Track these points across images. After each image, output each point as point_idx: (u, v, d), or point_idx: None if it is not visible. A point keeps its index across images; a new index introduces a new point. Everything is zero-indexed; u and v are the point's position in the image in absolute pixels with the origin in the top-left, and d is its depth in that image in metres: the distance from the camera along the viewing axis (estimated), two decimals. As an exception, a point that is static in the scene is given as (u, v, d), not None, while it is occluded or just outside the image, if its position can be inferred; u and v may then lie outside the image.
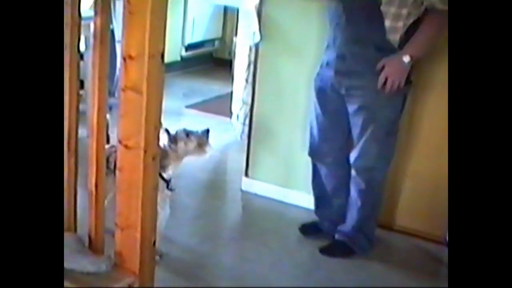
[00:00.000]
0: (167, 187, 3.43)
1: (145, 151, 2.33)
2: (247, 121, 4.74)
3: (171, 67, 7.22)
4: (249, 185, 4.65)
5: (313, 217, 4.05)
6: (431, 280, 3.67)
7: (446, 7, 3.17)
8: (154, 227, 2.55)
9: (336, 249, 3.78)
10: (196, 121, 6.04)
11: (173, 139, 3.40)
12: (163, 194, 3.28)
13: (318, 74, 3.60)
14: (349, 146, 3.66)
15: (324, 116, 3.65)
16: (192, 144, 3.46)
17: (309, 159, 4.19)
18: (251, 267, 3.63)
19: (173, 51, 7.59)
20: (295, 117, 4.37)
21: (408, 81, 3.41)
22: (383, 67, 3.34)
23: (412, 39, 3.35)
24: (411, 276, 3.66)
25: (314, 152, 3.79)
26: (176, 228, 3.89)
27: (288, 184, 4.49)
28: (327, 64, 3.52)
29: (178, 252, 3.70)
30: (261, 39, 4.35)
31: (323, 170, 3.82)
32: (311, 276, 3.62)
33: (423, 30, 3.32)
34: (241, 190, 4.66)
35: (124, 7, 2.23)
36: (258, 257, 3.74)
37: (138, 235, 2.45)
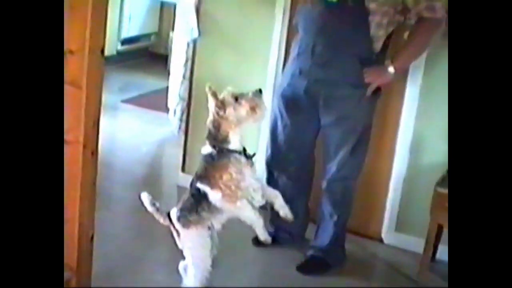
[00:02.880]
0: (245, 155, 3.05)
1: (84, 146, 2.33)
2: (184, 117, 4.75)
3: (107, 61, 7.07)
4: (186, 180, 4.59)
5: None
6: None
7: (433, 15, 3.27)
8: (92, 222, 2.54)
9: (314, 265, 3.67)
10: (132, 116, 6.02)
11: (220, 105, 3.04)
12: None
13: (288, 84, 3.47)
14: (324, 157, 3.62)
15: (293, 126, 3.53)
16: (243, 108, 3.01)
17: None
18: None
19: (109, 45, 7.48)
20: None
21: (378, 88, 3.47)
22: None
23: (399, 51, 3.43)
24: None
25: (276, 161, 3.67)
26: (112, 222, 3.86)
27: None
28: (300, 72, 3.42)
29: (114, 247, 3.67)
30: (199, 35, 4.36)
31: (282, 180, 3.66)
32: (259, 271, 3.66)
33: (412, 41, 3.40)
34: (178, 186, 4.66)
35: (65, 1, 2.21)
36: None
37: (76, 230, 2.44)
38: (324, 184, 3.61)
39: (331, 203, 3.63)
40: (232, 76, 4.35)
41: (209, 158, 3.04)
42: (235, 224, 4.23)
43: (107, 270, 3.38)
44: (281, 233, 3.85)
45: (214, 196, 2.99)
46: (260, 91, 3.06)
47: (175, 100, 5.10)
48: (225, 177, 2.96)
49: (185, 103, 4.69)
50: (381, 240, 4.14)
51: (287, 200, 3.73)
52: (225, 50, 4.35)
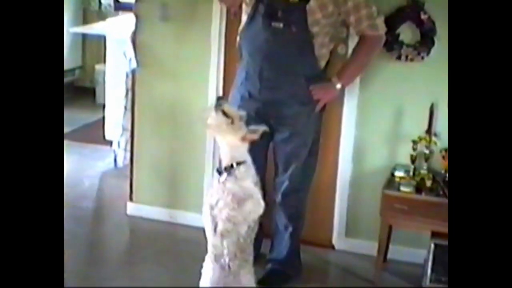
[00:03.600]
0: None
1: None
2: (128, 147, 4.77)
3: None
4: (135, 209, 4.67)
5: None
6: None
7: (375, 33, 3.50)
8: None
9: (274, 278, 3.72)
10: (69, 151, 5.95)
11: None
12: None
13: (238, 106, 3.50)
14: (276, 171, 3.72)
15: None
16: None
17: (195, 179, 4.34)
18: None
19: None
20: (176, 140, 4.48)
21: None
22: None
23: (345, 67, 3.63)
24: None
25: None
26: (66, 256, 3.84)
27: (174, 205, 4.57)
28: (250, 95, 3.53)
29: (72, 281, 3.65)
30: (137, 65, 4.42)
31: None
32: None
33: (356, 57, 3.61)
34: (127, 215, 4.68)
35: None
36: (156, 277, 3.80)
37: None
38: (278, 198, 3.72)
39: (286, 215, 3.74)
40: (174, 104, 4.43)
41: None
42: (169, 234, 4.37)
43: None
44: None
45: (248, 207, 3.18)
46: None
47: (117, 132, 5.12)
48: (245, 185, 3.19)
49: (128, 133, 4.71)
50: (332, 247, 4.27)
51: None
52: (165, 79, 4.42)
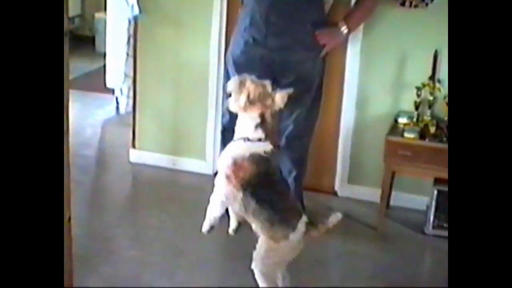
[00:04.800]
0: None
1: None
2: (131, 94, 4.72)
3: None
4: (138, 156, 4.64)
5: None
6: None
7: None
8: (68, 203, 2.46)
9: None
10: (70, 100, 5.89)
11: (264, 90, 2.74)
12: None
13: (242, 51, 3.50)
14: (280, 116, 3.61)
15: None
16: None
17: (198, 125, 4.31)
18: (155, 234, 3.68)
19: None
20: (179, 86, 4.42)
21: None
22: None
23: (351, 12, 3.59)
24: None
25: (234, 124, 3.75)
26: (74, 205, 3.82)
27: (176, 152, 4.54)
28: (255, 41, 3.48)
29: (75, 229, 3.64)
30: (139, 12, 4.33)
31: None
32: (215, 237, 3.70)
33: (363, 3, 3.57)
34: (130, 162, 4.65)
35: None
36: (161, 224, 3.79)
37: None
38: (282, 142, 3.69)
39: (290, 160, 3.72)
40: (176, 51, 4.36)
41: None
42: (172, 181, 4.36)
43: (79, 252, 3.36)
44: None
45: None
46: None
47: (119, 79, 5.06)
48: None
49: (131, 80, 4.66)
50: (335, 193, 4.27)
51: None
52: (167, 26, 4.34)
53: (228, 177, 2.70)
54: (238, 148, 2.71)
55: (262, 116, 2.69)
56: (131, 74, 4.62)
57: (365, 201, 4.11)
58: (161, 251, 3.50)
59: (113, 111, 5.65)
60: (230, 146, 2.76)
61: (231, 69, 3.64)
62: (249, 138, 2.69)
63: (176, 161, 4.54)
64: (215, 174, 4.32)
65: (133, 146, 4.65)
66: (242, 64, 3.56)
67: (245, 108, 2.70)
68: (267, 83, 2.74)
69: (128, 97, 4.98)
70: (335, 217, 2.71)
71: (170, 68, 4.42)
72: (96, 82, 6.07)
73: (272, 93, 2.71)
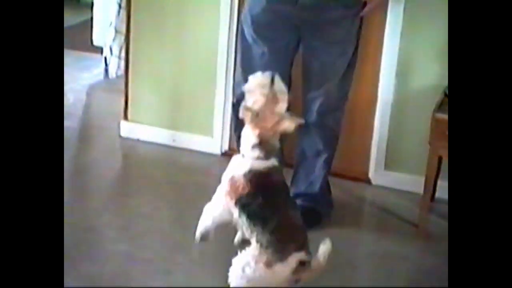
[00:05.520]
0: None
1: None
2: (122, 54, 4.70)
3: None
4: (130, 130, 4.63)
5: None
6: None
7: None
8: None
9: (307, 219, 3.23)
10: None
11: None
12: None
13: (264, 9, 3.48)
14: (308, 86, 3.66)
15: (271, 53, 3.58)
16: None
17: (204, 95, 4.29)
18: (149, 224, 3.66)
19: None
20: (182, 46, 4.39)
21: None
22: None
23: None
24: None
25: None
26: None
27: (177, 126, 4.53)
28: None
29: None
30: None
31: None
32: (220, 228, 3.70)
33: None
34: (120, 136, 4.64)
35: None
36: (154, 211, 3.78)
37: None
38: (312, 117, 3.65)
39: (322, 138, 3.70)
40: (178, 3, 4.32)
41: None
42: (170, 160, 4.34)
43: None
44: None
45: None
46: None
47: (109, 35, 5.03)
48: None
49: (123, 38, 4.63)
50: (369, 181, 4.24)
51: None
52: (169, -30, 4.31)
53: (226, 192, 2.86)
54: (238, 162, 2.88)
55: (261, 136, 2.79)
56: (123, 30, 4.59)
57: (404, 191, 4.09)
58: (155, 245, 3.48)
59: (101, 75, 5.63)
60: (234, 157, 2.93)
61: (248, 29, 3.61)
62: (245, 155, 2.85)
63: (176, 137, 4.53)
64: (224, 153, 4.41)
65: (125, 117, 4.64)
66: (262, 24, 3.53)
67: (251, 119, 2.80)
68: (285, 95, 2.82)
69: (119, 58, 4.96)
70: (325, 249, 2.72)
71: (171, 24, 4.38)
72: (81, 38, 6.06)
73: (285, 114, 2.79)
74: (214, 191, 3.85)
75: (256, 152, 2.79)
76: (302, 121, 2.87)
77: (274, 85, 2.79)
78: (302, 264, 2.71)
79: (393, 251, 3.60)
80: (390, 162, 4.18)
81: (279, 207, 2.82)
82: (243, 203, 2.79)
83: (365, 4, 3.49)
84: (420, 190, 3.75)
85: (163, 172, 4.27)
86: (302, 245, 2.75)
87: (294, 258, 2.70)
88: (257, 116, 2.76)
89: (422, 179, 3.72)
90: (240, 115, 2.82)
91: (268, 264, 2.71)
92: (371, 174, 4.24)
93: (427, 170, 3.69)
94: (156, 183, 4.12)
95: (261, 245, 2.73)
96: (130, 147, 4.58)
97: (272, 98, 2.77)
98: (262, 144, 2.79)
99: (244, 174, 2.79)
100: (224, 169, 4.01)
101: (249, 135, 2.81)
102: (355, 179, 4.24)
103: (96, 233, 3.56)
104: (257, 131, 2.78)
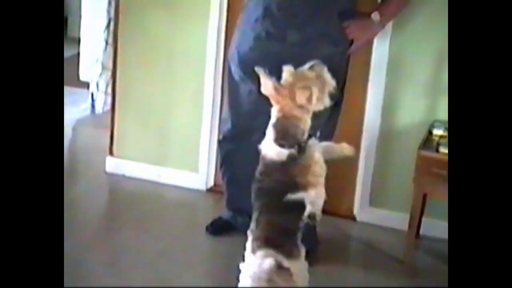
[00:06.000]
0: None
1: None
2: (109, 90, 4.71)
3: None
4: (116, 165, 4.63)
5: (207, 206, 4.14)
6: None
7: None
8: None
9: None
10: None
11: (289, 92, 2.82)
12: None
13: (251, 48, 3.51)
14: None
15: (259, 91, 3.45)
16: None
17: (190, 131, 4.29)
18: (135, 259, 3.65)
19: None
20: (169, 83, 4.41)
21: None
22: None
23: (387, 1, 3.57)
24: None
25: (239, 133, 3.72)
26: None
27: (163, 162, 4.53)
28: (268, 34, 3.47)
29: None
30: (123, -11, 4.33)
31: (243, 151, 3.72)
32: (206, 263, 3.70)
33: None
34: (106, 172, 4.64)
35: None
36: (142, 247, 3.77)
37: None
38: None
39: None
40: (168, 38, 4.35)
41: (292, 160, 2.80)
42: (156, 196, 4.35)
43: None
44: (239, 216, 3.89)
45: (311, 195, 2.83)
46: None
47: (96, 71, 5.05)
48: (316, 168, 2.84)
49: (109, 73, 4.65)
50: (354, 218, 4.25)
51: (247, 179, 3.80)
52: (156, 8, 4.33)
53: None
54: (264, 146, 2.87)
55: (281, 114, 2.79)
56: (110, 65, 4.60)
57: (389, 228, 4.10)
58: (141, 279, 3.46)
59: (87, 110, 5.64)
60: None
61: (235, 68, 3.62)
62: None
63: (162, 173, 4.53)
64: (209, 189, 4.41)
65: (111, 153, 4.64)
66: (250, 63, 3.52)
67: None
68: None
69: (106, 93, 4.97)
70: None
71: (158, 60, 4.40)
72: (68, 73, 6.02)
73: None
74: (199, 227, 3.89)
75: (272, 134, 2.80)
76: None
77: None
78: (280, 267, 2.67)
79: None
80: (375, 199, 4.19)
81: (272, 202, 2.80)
82: (254, 181, 2.86)
83: (352, 41, 3.53)
84: (405, 227, 3.75)
85: (149, 207, 4.26)
86: (284, 250, 2.72)
87: (269, 257, 2.67)
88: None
89: (407, 216, 3.73)
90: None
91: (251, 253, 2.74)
92: (356, 211, 4.24)
93: (412, 207, 3.70)
94: (142, 218, 4.10)
95: (251, 232, 2.79)
96: (116, 182, 4.57)
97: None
98: (279, 126, 2.77)
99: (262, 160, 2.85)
100: (209, 205, 4.05)
101: (272, 111, 2.81)
102: (340, 215, 4.24)
103: (83, 268, 3.54)
104: (278, 106, 2.78)
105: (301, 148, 2.78)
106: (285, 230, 2.82)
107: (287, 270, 2.70)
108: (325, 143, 3.02)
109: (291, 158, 2.77)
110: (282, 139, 2.78)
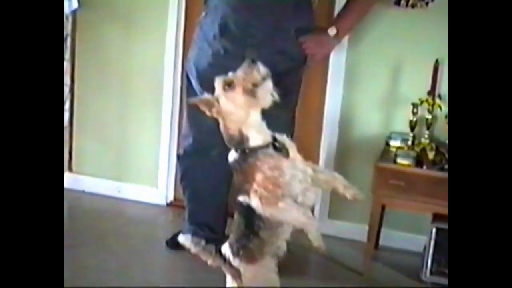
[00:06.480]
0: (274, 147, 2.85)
1: None
2: (67, 105, 4.67)
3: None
4: (75, 181, 4.60)
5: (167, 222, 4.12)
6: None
7: None
8: None
9: None
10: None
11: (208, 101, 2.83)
12: None
13: (210, 64, 3.50)
14: None
15: None
16: (237, 95, 2.79)
17: (149, 145, 4.28)
18: (95, 277, 3.61)
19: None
20: (127, 98, 4.41)
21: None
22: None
23: (342, 14, 3.57)
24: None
25: (199, 148, 3.73)
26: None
27: (121, 177, 4.52)
28: (226, 52, 3.47)
29: None
30: (79, 6, 4.30)
31: (204, 166, 3.74)
32: (167, 279, 3.68)
33: (355, 5, 3.55)
34: (65, 189, 4.59)
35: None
36: (101, 264, 3.73)
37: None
38: None
39: None
40: (123, 54, 4.34)
41: (236, 164, 2.84)
42: (116, 212, 4.34)
43: None
44: (201, 231, 3.88)
45: (254, 204, 2.79)
46: (253, 61, 2.83)
47: (53, 87, 5.01)
48: (258, 177, 2.77)
49: (67, 89, 4.61)
50: (313, 230, 4.25)
51: (208, 193, 3.82)
52: (113, 23, 4.34)
53: None
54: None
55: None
56: (68, 81, 4.57)
57: (348, 239, 4.12)
58: (101, 298, 3.43)
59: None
60: None
61: (194, 81, 3.63)
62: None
63: (121, 188, 4.52)
64: (169, 204, 4.40)
65: (69, 169, 4.61)
66: (209, 79, 3.52)
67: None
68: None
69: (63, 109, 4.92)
70: None
71: (116, 75, 4.40)
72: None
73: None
74: (159, 242, 3.87)
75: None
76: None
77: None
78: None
79: (338, 300, 3.61)
80: (334, 211, 4.21)
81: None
82: None
83: (309, 55, 3.54)
84: (364, 238, 3.78)
85: (109, 223, 4.24)
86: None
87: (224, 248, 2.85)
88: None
89: (366, 228, 3.76)
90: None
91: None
92: (315, 223, 4.25)
93: (371, 218, 3.73)
94: (102, 235, 4.07)
95: None
96: (75, 198, 4.54)
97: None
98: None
99: None
100: (169, 220, 4.03)
101: None
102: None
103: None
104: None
105: (243, 153, 2.77)
106: (244, 231, 2.84)
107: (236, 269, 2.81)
108: (328, 173, 3.04)
109: (235, 162, 2.80)
110: (228, 143, 2.82)
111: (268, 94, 2.79)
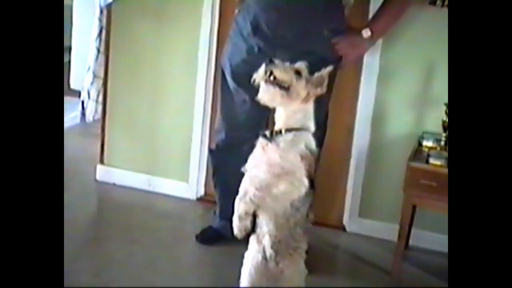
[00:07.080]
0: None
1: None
2: (100, 98, 4.69)
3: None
4: (106, 174, 4.62)
5: (199, 216, 4.15)
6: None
7: None
8: None
9: None
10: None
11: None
12: None
13: (244, 60, 3.52)
14: None
15: (252, 101, 3.45)
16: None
17: (181, 140, 4.28)
18: (123, 269, 3.62)
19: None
20: (159, 92, 4.41)
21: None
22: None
23: (377, 16, 3.57)
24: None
25: (231, 142, 3.75)
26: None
27: (153, 171, 4.52)
28: (260, 50, 3.48)
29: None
30: (114, -1, 4.33)
31: (236, 161, 3.72)
32: (195, 273, 3.68)
33: (390, 7, 3.54)
34: (96, 181, 4.63)
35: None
36: (129, 257, 3.74)
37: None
38: None
39: None
40: (157, 49, 4.34)
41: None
42: (146, 205, 4.34)
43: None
44: (231, 225, 3.87)
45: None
46: (271, 61, 2.89)
47: (87, 79, 5.01)
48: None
49: (101, 82, 4.63)
50: (343, 228, 4.25)
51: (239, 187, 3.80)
52: (147, 18, 4.34)
53: None
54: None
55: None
56: (102, 74, 4.59)
57: (378, 239, 4.10)
58: (129, 291, 3.44)
59: (77, 118, 5.58)
60: None
61: (228, 77, 3.63)
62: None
63: (152, 182, 4.52)
64: (199, 198, 4.40)
65: (101, 161, 4.64)
66: (243, 75, 3.52)
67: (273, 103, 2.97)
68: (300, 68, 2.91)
69: (96, 102, 4.92)
70: None
71: (149, 69, 4.40)
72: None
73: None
74: (188, 237, 3.87)
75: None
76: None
77: None
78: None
79: (366, 299, 3.59)
80: (365, 210, 4.18)
81: None
82: None
83: (342, 56, 3.53)
84: (394, 238, 3.75)
85: (138, 217, 4.25)
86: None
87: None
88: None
89: (396, 227, 3.73)
90: None
91: None
92: (345, 221, 4.24)
93: (401, 218, 3.70)
94: (131, 228, 4.08)
95: None
96: (106, 191, 4.56)
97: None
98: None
99: None
100: (199, 214, 4.03)
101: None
102: (329, 226, 4.24)
103: (70, 279, 3.50)
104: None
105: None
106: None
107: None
108: None
109: None
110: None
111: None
